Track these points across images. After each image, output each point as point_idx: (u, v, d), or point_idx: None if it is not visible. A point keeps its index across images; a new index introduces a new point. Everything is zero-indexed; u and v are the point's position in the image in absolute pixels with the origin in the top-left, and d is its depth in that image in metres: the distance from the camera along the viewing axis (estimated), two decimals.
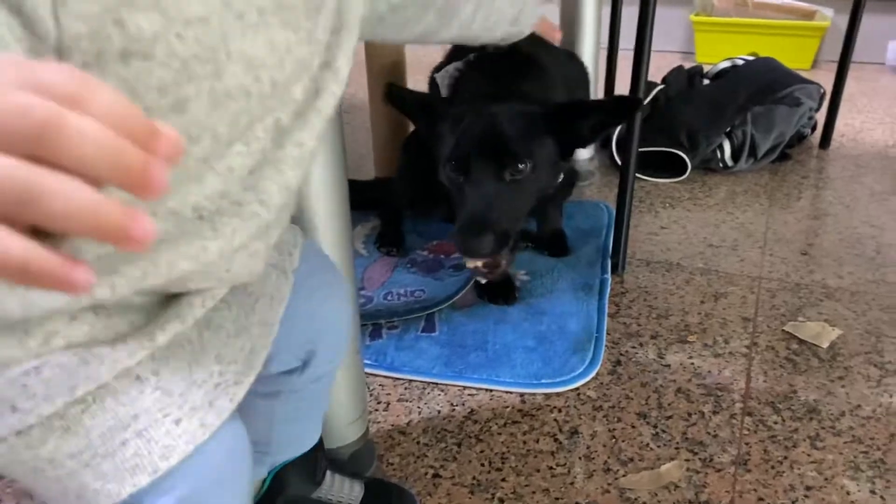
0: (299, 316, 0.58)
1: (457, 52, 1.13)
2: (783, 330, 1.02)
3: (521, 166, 0.87)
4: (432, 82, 1.16)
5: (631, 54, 1.05)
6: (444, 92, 1.00)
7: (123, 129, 0.22)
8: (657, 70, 2.18)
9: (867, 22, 2.15)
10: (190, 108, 0.38)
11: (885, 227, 1.28)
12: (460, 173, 0.88)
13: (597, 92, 1.50)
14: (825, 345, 0.98)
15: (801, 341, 0.99)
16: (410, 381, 0.94)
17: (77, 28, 0.32)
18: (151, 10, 0.34)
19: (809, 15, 2.13)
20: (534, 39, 0.92)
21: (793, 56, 2.16)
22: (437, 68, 1.16)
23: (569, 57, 1.19)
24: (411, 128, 1.29)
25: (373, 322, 1.03)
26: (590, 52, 1.44)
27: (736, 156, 1.50)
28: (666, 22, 2.36)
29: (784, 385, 0.92)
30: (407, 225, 1.27)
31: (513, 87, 0.95)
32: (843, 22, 1.84)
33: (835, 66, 1.59)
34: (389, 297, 1.10)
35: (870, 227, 1.29)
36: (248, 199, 0.44)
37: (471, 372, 0.94)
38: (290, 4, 0.42)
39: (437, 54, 1.26)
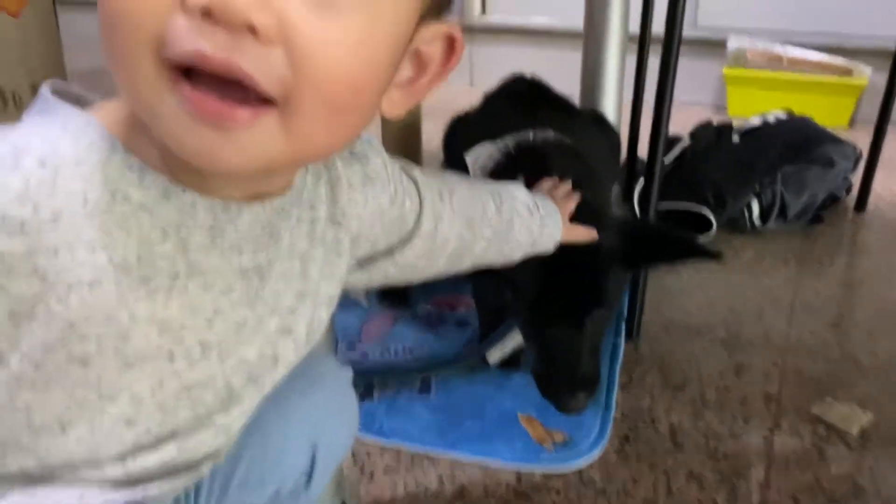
0: (295, 412, 0.54)
1: (487, 107, 1.08)
2: (809, 411, 0.94)
3: (601, 308, 0.81)
4: (451, 132, 1.11)
5: (645, 103, 0.99)
6: (475, 178, 0.93)
7: None
8: (687, 123, 2.12)
9: None
10: (93, 365, 0.37)
11: None
12: (541, 321, 0.82)
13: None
14: (855, 431, 0.90)
15: (828, 425, 0.91)
16: (399, 449, 0.87)
17: None
18: (30, 276, 0.34)
19: (847, 72, 2.07)
20: (567, 118, 0.86)
21: (829, 114, 2.09)
22: (461, 120, 1.11)
23: (601, 129, 1.12)
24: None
25: (365, 382, 0.97)
26: (612, 103, 1.38)
27: (765, 216, 1.43)
28: (697, 73, 2.31)
29: (808, 475, 0.84)
30: None
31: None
32: (882, 80, 1.77)
33: (872, 126, 1.52)
34: (387, 354, 1.04)
35: None
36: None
37: (465, 443, 0.87)
38: (212, 268, 0.40)
39: (456, 99, 1.21)
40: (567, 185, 0.80)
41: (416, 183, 0.56)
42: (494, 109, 1.07)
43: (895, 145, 1.94)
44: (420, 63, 0.42)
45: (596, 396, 0.83)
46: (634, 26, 1.44)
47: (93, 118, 0.37)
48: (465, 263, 0.66)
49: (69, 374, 0.37)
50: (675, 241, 0.89)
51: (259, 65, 0.32)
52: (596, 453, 0.86)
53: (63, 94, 0.39)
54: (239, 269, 0.41)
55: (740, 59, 2.17)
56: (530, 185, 0.78)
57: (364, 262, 0.56)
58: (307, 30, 0.32)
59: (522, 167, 0.87)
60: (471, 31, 2.58)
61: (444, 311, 1.14)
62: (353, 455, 0.86)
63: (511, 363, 1.00)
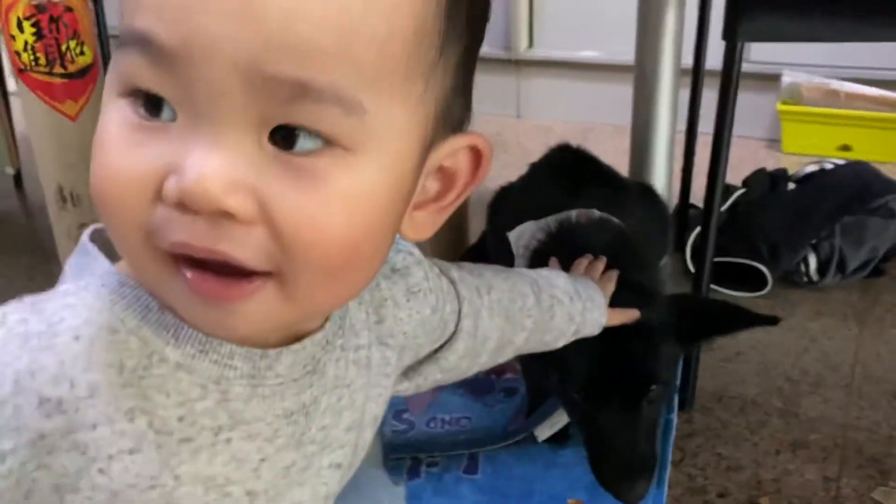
0: None
1: (531, 179, 1.08)
2: (871, 497, 0.90)
3: (655, 388, 0.80)
4: (496, 203, 1.10)
5: (705, 138, 0.97)
6: (517, 256, 0.92)
7: None
8: (739, 161, 2.08)
9: None
10: None
11: None
12: (595, 406, 0.81)
13: (673, 178, 1.42)
14: None
15: None
16: None
17: None
18: (70, 451, 0.34)
19: None
20: (612, 193, 0.85)
21: (889, 151, 2.03)
22: (506, 191, 1.11)
23: (649, 203, 1.10)
24: (473, 239, 1.24)
25: (412, 455, 0.97)
26: (665, 136, 1.35)
27: (823, 270, 1.39)
28: (751, 108, 2.26)
29: None
30: None
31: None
32: None
33: None
34: (432, 424, 1.04)
35: None
36: None
37: None
38: (254, 417, 0.39)
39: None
40: (603, 263, 0.79)
41: (454, 283, 0.56)
42: (538, 183, 1.06)
43: None
44: (447, 177, 0.41)
45: (653, 481, 0.82)
46: (687, 60, 1.42)
47: (126, 277, 0.37)
48: (507, 355, 0.65)
49: None
50: (727, 313, 0.88)
51: (242, 246, 0.32)
52: None
53: (103, 240, 0.39)
54: (283, 413, 0.41)
55: (795, 95, 2.12)
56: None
57: (409, 372, 0.56)
58: (286, 206, 0.32)
59: (564, 248, 0.86)
60: (517, 64, 2.58)
61: (491, 378, 1.13)
62: None
63: (560, 437, 0.98)
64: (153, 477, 0.36)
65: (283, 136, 0.31)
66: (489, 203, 1.12)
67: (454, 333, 0.56)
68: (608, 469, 0.80)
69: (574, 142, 1.14)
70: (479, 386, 1.11)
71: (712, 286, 1.38)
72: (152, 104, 0.32)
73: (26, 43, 0.67)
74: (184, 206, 0.31)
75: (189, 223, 0.31)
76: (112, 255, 0.38)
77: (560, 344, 0.69)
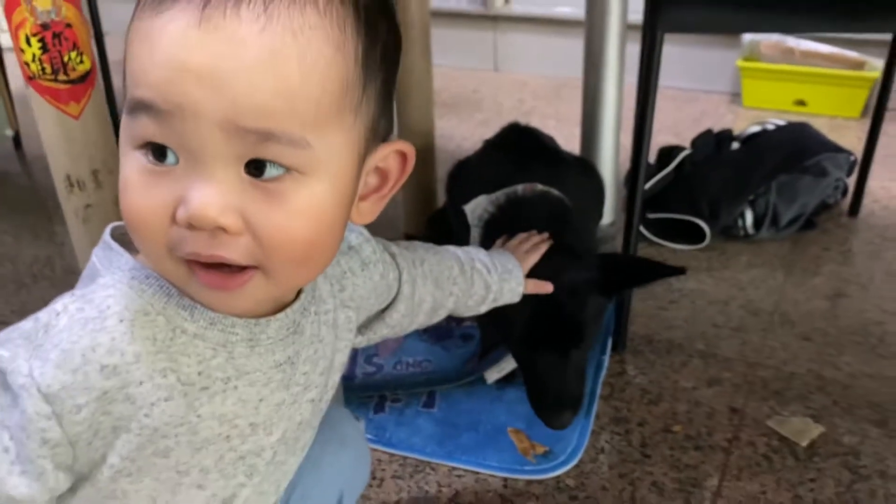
0: (328, 469, 0.70)
1: (485, 155, 1.21)
2: (766, 424, 1.06)
3: (587, 339, 0.95)
4: (453, 178, 1.24)
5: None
6: (472, 226, 1.06)
7: None
8: (702, 114, 2.21)
9: None
10: (172, 454, 0.51)
11: (894, 312, 1.30)
12: (532, 352, 0.95)
13: (621, 135, 1.53)
14: (805, 443, 1.02)
15: (781, 438, 1.04)
16: (405, 458, 1.03)
17: (76, 429, 0.47)
18: (124, 402, 0.48)
19: (859, 65, 2.11)
20: (557, 167, 0.98)
21: (842, 105, 2.15)
22: (463, 165, 1.24)
23: (587, 176, 1.24)
24: (440, 203, 1.37)
25: (379, 393, 1.12)
26: (613, 89, 1.47)
27: (758, 224, 1.53)
28: (714, 64, 2.37)
29: (755, 485, 0.97)
30: None
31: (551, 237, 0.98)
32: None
33: (886, 115, 1.55)
34: (399, 367, 1.19)
35: (880, 311, 1.30)
36: None
37: (460, 453, 1.02)
38: (254, 368, 0.53)
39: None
40: (537, 237, 0.93)
41: (394, 257, 0.71)
42: (491, 159, 1.19)
43: None
44: (382, 174, 0.55)
45: (579, 413, 0.97)
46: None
47: (149, 270, 0.50)
48: (440, 315, 0.81)
49: (155, 464, 0.51)
50: (642, 267, 1.03)
51: (235, 250, 0.45)
52: (572, 464, 1.00)
53: (122, 237, 0.53)
54: (274, 364, 0.55)
55: (754, 52, 2.22)
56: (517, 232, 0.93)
57: (362, 329, 0.71)
58: (262, 220, 0.45)
59: (512, 219, 1.01)
60: (495, 19, 2.66)
61: (451, 325, 1.28)
62: None
63: (505, 380, 1.14)
64: (182, 416, 0.50)
65: (256, 167, 0.45)
66: (448, 175, 1.26)
67: (396, 296, 0.71)
68: (541, 403, 0.95)
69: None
70: (440, 332, 1.26)
71: (658, 240, 1.53)
72: (159, 152, 0.44)
73: (34, 55, 0.80)
74: (191, 226, 0.44)
75: (196, 238, 0.45)
76: (129, 248, 0.52)
77: (483, 309, 0.84)
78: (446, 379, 1.14)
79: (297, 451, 0.64)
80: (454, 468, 1.01)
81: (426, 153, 1.46)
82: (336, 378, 0.65)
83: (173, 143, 0.44)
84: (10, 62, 2.16)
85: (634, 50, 1.34)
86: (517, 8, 2.61)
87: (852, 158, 1.61)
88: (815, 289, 1.38)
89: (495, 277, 0.83)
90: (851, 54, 2.12)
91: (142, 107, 0.43)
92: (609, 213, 1.59)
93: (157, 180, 0.45)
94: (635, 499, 0.96)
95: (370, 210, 0.55)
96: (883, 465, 0.99)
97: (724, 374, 1.16)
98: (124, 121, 0.46)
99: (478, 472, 1.00)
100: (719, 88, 2.40)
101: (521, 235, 0.94)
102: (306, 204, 0.46)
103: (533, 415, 1.06)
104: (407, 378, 1.16)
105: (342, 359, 0.65)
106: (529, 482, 0.98)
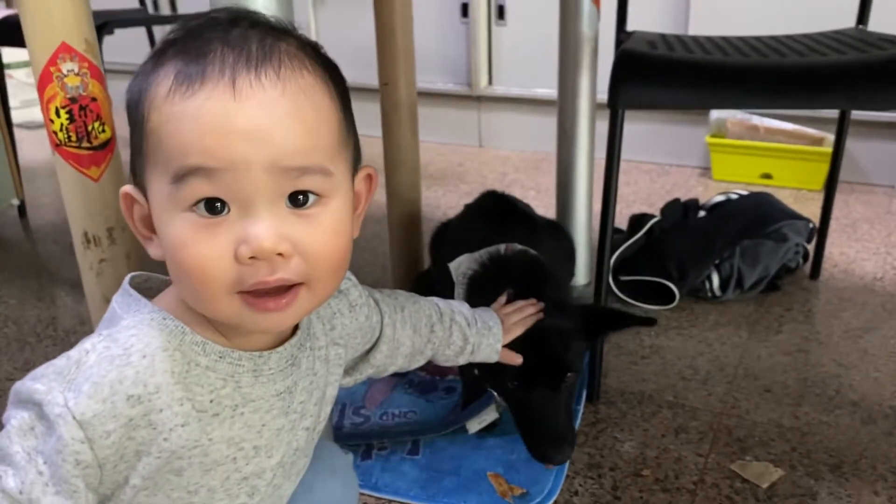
0: (316, 496, 0.76)
1: (466, 218, 1.31)
2: (730, 468, 1.13)
3: (570, 375, 1.02)
4: (437, 239, 1.33)
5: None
6: (457, 283, 1.14)
7: None
8: (674, 186, 2.33)
9: (881, 147, 2.26)
10: (185, 473, 0.58)
11: (851, 366, 1.38)
12: (524, 389, 1.02)
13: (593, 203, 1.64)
14: (765, 485, 1.09)
15: (744, 480, 1.10)
16: (390, 501, 1.08)
17: (105, 452, 0.54)
18: (147, 427, 0.55)
19: (818, 141, 2.25)
20: (529, 230, 1.09)
21: (805, 178, 2.28)
22: (445, 226, 1.34)
23: (558, 237, 1.36)
24: (426, 265, 1.46)
25: (366, 442, 1.19)
26: (584, 165, 1.59)
27: (724, 286, 1.62)
28: (686, 140, 2.52)
29: None
30: None
31: (531, 292, 1.07)
32: (853, 147, 1.91)
33: (845, 187, 1.67)
34: (385, 418, 1.26)
35: (837, 365, 1.39)
36: None
37: (442, 496, 1.08)
38: (258, 396, 0.61)
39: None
40: (527, 310, 1.01)
41: (377, 302, 0.81)
42: (472, 222, 1.29)
43: (863, 209, 2.12)
44: (357, 196, 0.65)
45: (575, 446, 1.03)
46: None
47: (165, 312, 0.58)
48: (419, 361, 0.89)
49: (169, 482, 0.58)
50: (616, 316, 1.12)
51: (291, 270, 0.55)
52: None
53: (141, 283, 0.62)
54: (275, 392, 0.63)
55: (721, 129, 2.37)
56: (502, 290, 1.01)
57: (349, 369, 0.80)
58: (307, 241, 0.55)
59: (495, 275, 1.10)
60: (479, 99, 2.82)
61: (435, 378, 1.35)
62: None
63: (486, 429, 1.20)
64: (196, 440, 0.58)
65: (294, 198, 0.55)
66: (431, 236, 1.36)
67: (378, 338, 0.80)
68: (538, 439, 1.01)
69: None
70: (424, 386, 1.34)
71: (631, 301, 1.62)
72: (210, 206, 0.54)
73: (62, 125, 0.90)
74: (255, 259, 0.53)
75: (257, 269, 0.54)
76: (147, 295, 0.61)
77: (461, 360, 0.93)
78: (430, 429, 1.21)
79: (293, 477, 0.71)
80: None
81: (413, 220, 1.56)
82: (327, 410, 0.73)
83: (226, 194, 0.53)
84: (19, 136, 2.27)
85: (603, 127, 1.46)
86: (499, 89, 2.77)
87: (811, 225, 1.72)
88: (777, 345, 1.47)
89: (473, 331, 0.91)
90: (811, 131, 2.27)
91: (193, 171, 0.53)
92: (584, 274, 1.69)
93: (213, 231, 0.54)
94: None
95: (356, 225, 0.66)
96: None
97: (692, 423, 1.24)
98: (167, 191, 0.54)
99: None
100: (690, 163, 2.55)
101: (519, 303, 1.02)
102: (333, 221, 0.57)
103: (511, 460, 1.13)
104: (392, 428, 1.23)
105: (333, 392, 0.73)
106: None
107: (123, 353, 0.55)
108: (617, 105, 1.12)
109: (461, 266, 1.14)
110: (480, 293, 1.08)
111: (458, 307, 0.92)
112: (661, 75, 1.13)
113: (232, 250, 0.53)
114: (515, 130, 2.81)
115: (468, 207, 1.34)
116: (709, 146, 2.38)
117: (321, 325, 0.71)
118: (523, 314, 0.98)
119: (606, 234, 1.20)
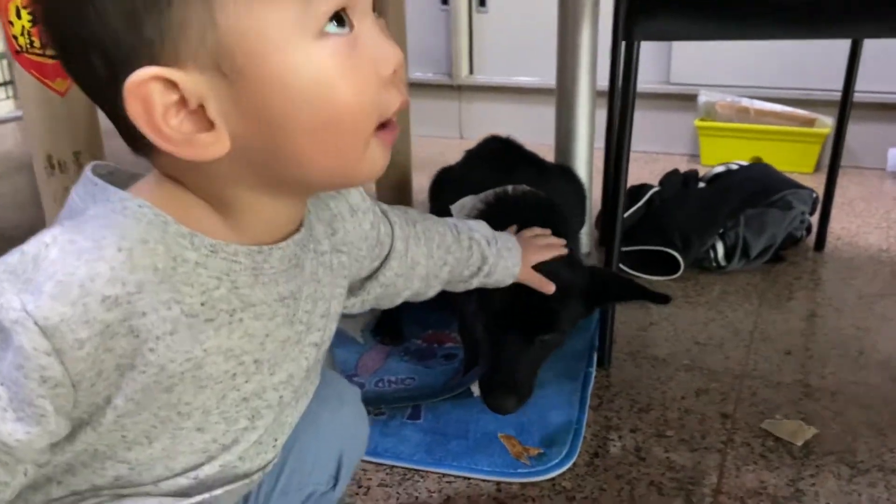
0: (327, 427, 0.66)
1: (468, 162, 1.22)
2: (760, 427, 1.04)
3: (553, 334, 0.93)
4: (437, 184, 1.24)
5: (633, 154, 1.10)
6: None
7: None
8: (663, 172, 2.27)
9: (869, 130, 2.23)
10: (176, 389, 0.48)
11: (870, 329, 1.31)
12: (495, 331, 0.93)
13: (593, 192, 1.57)
14: (800, 443, 1.01)
15: (776, 439, 1.02)
16: (392, 466, 0.97)
17: (79, 367, 0.43)
18: (128, 335, 0.44)
19: (810, 122, 2.21)
20: (538, 173, 0.99)
21: (795, 161, 2.23)
22: (446, 172, 1.24)
23: (568, 181, 1.26)
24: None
25: None
26: (584, 152, 1.51)
27: (729, 256, 1.55)
28: (671, 126, 2.46)
29: (755, 481, 0.94)
30: (406, 312, 1.32)
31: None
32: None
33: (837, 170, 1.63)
34: (380, 385, 1.15)
35: (856, 329, 1.31)
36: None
37: (451, 460, 0.97)
38: (259, 300, 0.51)
39: (447, 152, 1.34)
40: (550, 239, 0.92)
41: (385, 213, 0.70)
42: (475, 165, 1.20)
43: (857, 189, 2.08)
44: None
45: (523, 405, 0.95)
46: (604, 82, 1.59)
47: (142, 200, 0.46)
48: (436, 287, 0.78)
49: (157, 400, 0.48)
50: (626, 286, 1.03)
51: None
52: (567, 465, 0.96)
53: (104, 175, 0.49)
54: (278, 296, 0.52)
55: (710, 112, 2.32)
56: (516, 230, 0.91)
57: (354, 289, 0.69)
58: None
59: (502, 215, 1.00)
60: (460, 89, 2.74)
61: (433, 346, 1.25)
62: None
63: None
64: (188, 351, 0.47)
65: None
66: (431, 182, 1.26)
67: (389, 252, 0.69)
68: (489, 381, 0.93)
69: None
70: (422, 353, 1.23)
71: (633, 272, 1.53)
72: (340, 20, 0.45)
73: (23, 28, 0.79)
74: (396, 72, 0.47)
75: (391, 91, 0.47)
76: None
77: (475, 283, 0.82)
78: (432, 393, 1.10)
79: (300, 403, 0.60)
80: (444, 475, 0.96)
81: (403, 185, 1.46)
82: (333, 327, 0.62)
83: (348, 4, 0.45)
84: None
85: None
86: (480, 78, 2.70)
87: (815, 195, 1.66)
88: (790, 310, 1.39)
89: (493, 250, 0.81)
90: (802, 112, 2.23)
91: None
92: (587, 244, 1.61)
93: (352, 55, 0.45)
94: (634, 498, 0.92)
95: None
96: (880, 459, 0.97)
97: (712, 385, 1.15)
98: (292, 14, 0.43)
99: (469, 478, 0.95)
100: (679, 150, 2.49)
101: (537, 229, 0.93)
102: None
103: (522, 422, 1.04)
104: (389, 394, 1.12)
105: (337, 308, 0.62)
106: (524, 485, 0.94)
107: (94, 246, 0.43)
108: (632, 37, 1.04)
109: (464, 207, 1.05)
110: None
111: (476, 225, 0.82)
112: (679, 3, 1.06)
113: (374, 72, 0.46)
114: (497, 120, 2.73)
115: (470, 152, 1.25)
116: (698, 130, 2.33)
117: (322, 227, 0.60)
118: (548, 240, 0.89)
119: (620, 183, 1.11)
